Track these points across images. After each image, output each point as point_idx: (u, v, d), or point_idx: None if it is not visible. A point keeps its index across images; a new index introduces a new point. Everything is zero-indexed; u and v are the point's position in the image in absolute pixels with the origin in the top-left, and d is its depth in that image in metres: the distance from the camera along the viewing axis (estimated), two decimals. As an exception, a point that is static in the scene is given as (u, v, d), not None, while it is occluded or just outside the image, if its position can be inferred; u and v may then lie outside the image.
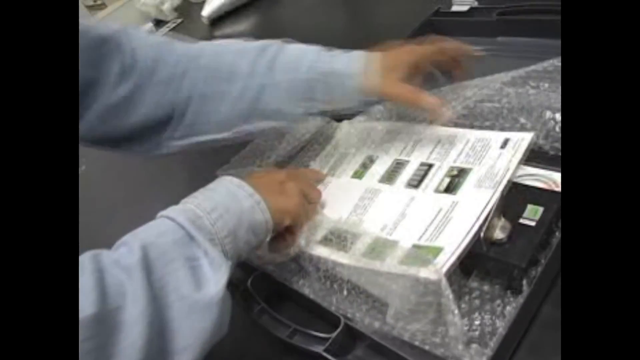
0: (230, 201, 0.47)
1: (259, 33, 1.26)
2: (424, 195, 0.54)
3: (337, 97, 0.57)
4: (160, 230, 0.43)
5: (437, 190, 0.54)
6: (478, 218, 0.47)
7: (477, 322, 0.45)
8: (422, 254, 0.46)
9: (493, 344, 0.42)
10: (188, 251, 0.42)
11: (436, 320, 0.43)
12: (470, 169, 0.54)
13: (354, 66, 0.56)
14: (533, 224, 0.47)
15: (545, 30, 0.72)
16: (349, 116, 0.71)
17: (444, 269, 0.43)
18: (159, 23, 1.47)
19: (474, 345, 0.42)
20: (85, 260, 0.38)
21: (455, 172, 0.54)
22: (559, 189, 0.48)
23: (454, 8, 0.83)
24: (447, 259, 0.44)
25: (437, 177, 0.55)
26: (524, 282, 0.44)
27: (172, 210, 0.45)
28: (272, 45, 0.58)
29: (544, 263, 0.45)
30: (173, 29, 1.43)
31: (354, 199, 0.58)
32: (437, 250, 0.46)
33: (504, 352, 0.42)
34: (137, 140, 0.60)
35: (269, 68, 0.57)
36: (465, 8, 0.82)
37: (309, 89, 0.56)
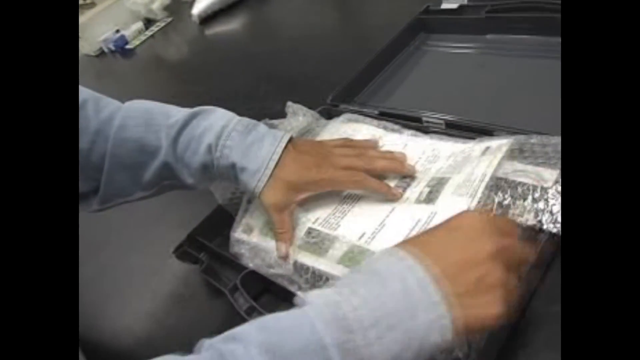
0: (402, 310, 0.34)
1: (248, 32, 1.26)
2: (404, 205, 0.54)
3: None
4: (293, 339, 0.33)
5: (417, 201, 0.53)
6: None
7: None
8: None
9: (482, 339, 0.41)
10: None
11: None
12: (449, 178, 0.54)
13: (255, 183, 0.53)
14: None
15: (535, 28, 0.72)
16: (338, 114, 0.70)
17: None
18: (149, 22, 1.47)
19: (462, 341, 0.42)
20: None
21: (434, 182, 0.54)
22: (547, 184, 0.48)
23: (444, 6, 0.83)
24: None
25: (418, 188, 0.55)
26: (513, 277, 0.44)
27: (318, 310, 0.34)
28: (179, 120, 0.56)
29: (532, 259, 0.45)
30: (163, 28, 1.43)
31: (334, 202, 0.57)
32: None
33: (493, 348, 0.42)
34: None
35: (172, 146, 0.56)
36: (454, 6, 0.82)
37: (205, 170, 0.56)
